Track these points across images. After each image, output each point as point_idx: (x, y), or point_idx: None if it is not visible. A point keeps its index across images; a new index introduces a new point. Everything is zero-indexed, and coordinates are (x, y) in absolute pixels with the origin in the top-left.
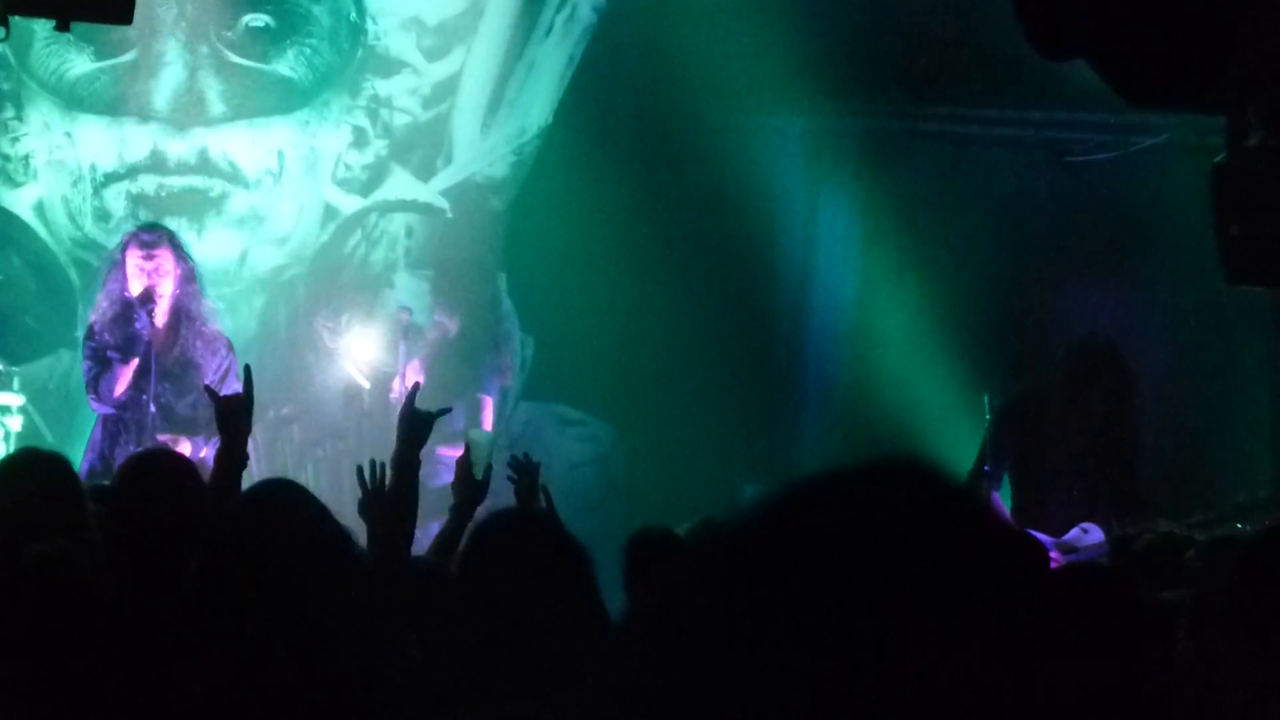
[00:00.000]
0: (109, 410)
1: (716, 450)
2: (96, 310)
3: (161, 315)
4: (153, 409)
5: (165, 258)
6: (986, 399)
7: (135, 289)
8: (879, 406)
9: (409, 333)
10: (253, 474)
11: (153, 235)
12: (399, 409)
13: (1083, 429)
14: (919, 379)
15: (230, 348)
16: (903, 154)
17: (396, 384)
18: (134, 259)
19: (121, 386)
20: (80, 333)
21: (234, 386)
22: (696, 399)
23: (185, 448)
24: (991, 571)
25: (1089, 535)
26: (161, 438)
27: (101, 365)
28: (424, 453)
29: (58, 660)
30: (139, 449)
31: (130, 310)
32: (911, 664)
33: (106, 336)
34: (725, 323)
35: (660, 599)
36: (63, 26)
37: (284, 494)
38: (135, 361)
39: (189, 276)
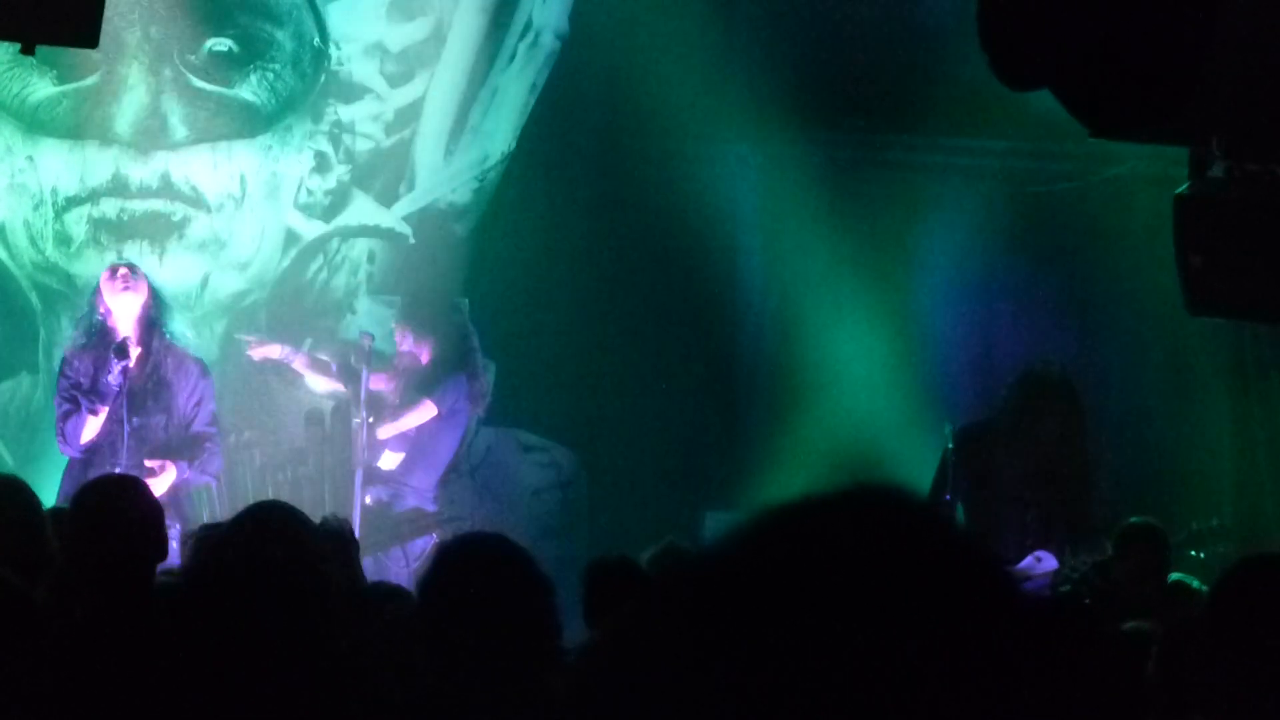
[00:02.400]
0: (75, 454)
1: (678, 476)
2: (70, 345)
3: (134, 337)
4: (126, 431)
5: (139, 278)
6: (947, 428)
7: (113, 305)
8: (840, 434)
9: (370, 358)
10: (214, 498)
11: (123, 270)
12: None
13: (1034, 457)
14: (880, 407)
15: (205, 371)
16: (864, 183)
17: (358, 408)
18: (106, 281)
19: (89, 435)
20: (41, 358)
21: (208, 410)
22: (658, 425)
23: (170, 472)
24: (973, 598)
25: (1042, 564)
26: (149, 463)
27: (73, 407)
28: (388, 475)
29: (5, 691)
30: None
31: (100, 355)
32: (893, 696)
33: (80, 376)
34: (686, 349)
35: (629, 629)
36: (28, 50)
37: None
38: (104, 410)
39: (161, 306)
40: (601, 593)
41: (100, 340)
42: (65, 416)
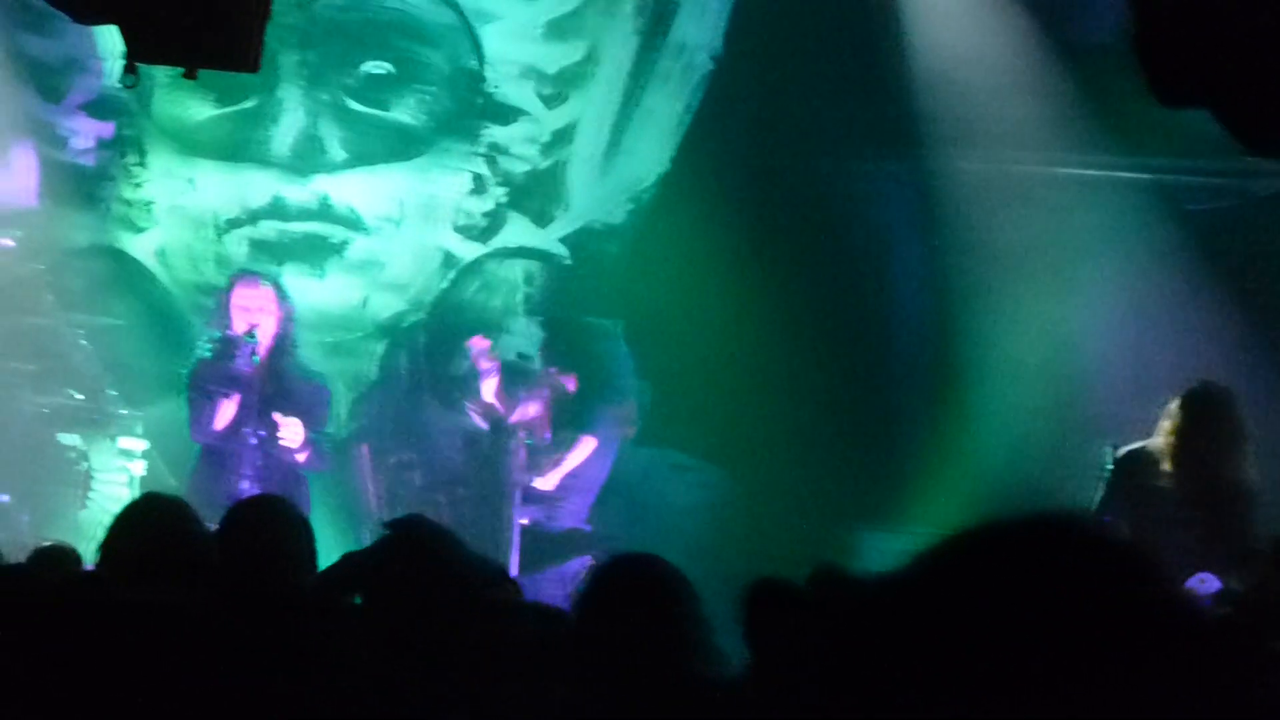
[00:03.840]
0: (210, 442)
1: (831, 496)
2: (203, 349)
3: (263, 349)
4: (253, 442)
5: (267, 296)
6: (1107, 450)
7: (239, 327)
8: (996, 454)
9: (527, 379)
10: (373, 521)
11: (254, 276)
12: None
13: (1196, 479)
14: (1035, 427)
15: (323, 385)
16: (1019, 199)
17: (516, 430)
18: (238, 298)
19: (222, 421)
20: None
21: (321, 416)
22: (810, 444)
23: (299, 427)
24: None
25: (1206, 585)
26: (278, 418)
27: (204, 399)
28: (545, 496)
29: (169, 708)
30: (241, 482)
31: (230, 346)
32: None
33: (209, 372)
34: (839, 367)
35: (797, 653)
36: (190, 74)
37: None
38: (237, 396)
39: (290, 316)
40: (762, 614)
41: (223, 350)
42: (198, 411)
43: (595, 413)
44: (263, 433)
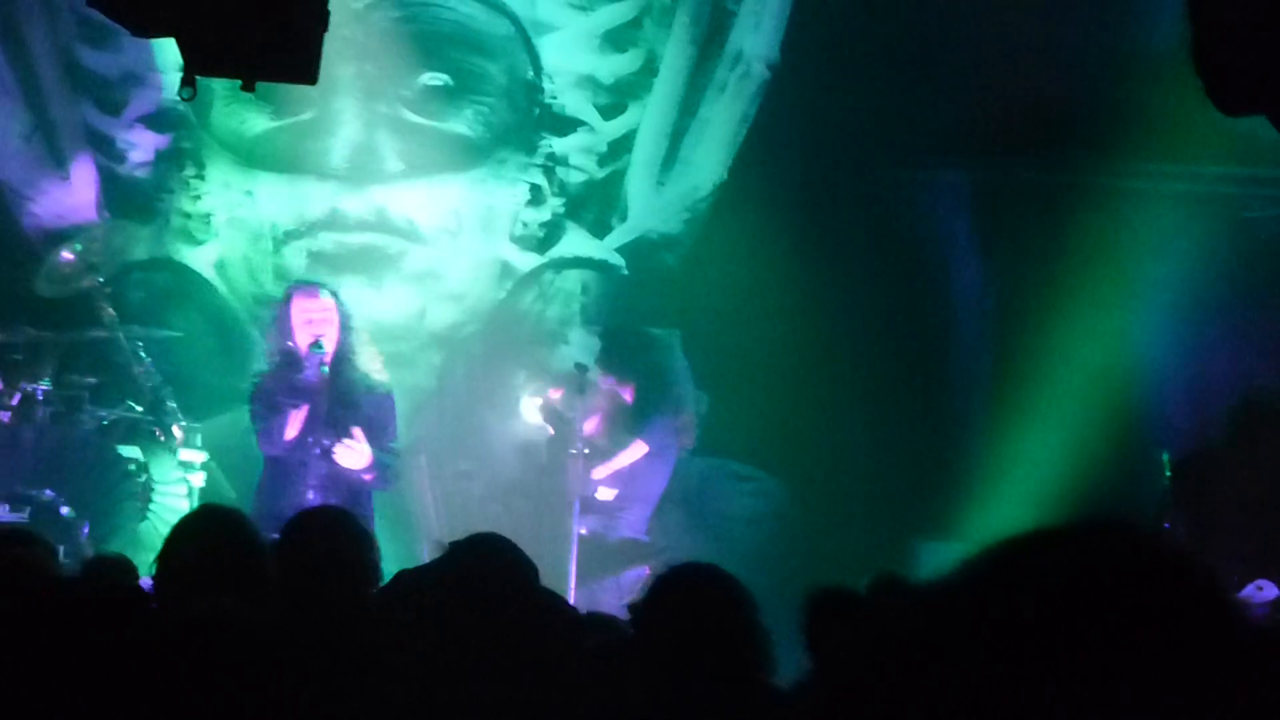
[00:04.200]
0: (279, 453)
1: (890, 505)
2: (264, 362)
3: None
4: (317, 452)
5: (329, 306)
6: (1164, 455)
7: (302, 338)
8: (1053, 461)
9: (585, 388)
10: (431, 531)
11: (313, 287)
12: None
13: (1253, 484)
14: (1093, 434)
15: (387, 396)
16: (1074, 208)
17: (573, 440)
18: (299, 309)
19: (293, 431)
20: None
21: (392, 429)
22: (869, 454)
23: (365, 448)
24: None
25: (1264, 592)
26: (355, 431)
27: (272, 411)
28: (603, 507)
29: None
30: (307, 493)
31: (295, 358)
32: None
33: (274, 384)
34: (897, 377)
35: (857, 660)
36: (248, 87)
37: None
38: (305, 407)
39: (348, 325)
40: (823, 622)
41: (286, 362)
42: (267, 424)
43: (652, 423)
44: (327, 443)
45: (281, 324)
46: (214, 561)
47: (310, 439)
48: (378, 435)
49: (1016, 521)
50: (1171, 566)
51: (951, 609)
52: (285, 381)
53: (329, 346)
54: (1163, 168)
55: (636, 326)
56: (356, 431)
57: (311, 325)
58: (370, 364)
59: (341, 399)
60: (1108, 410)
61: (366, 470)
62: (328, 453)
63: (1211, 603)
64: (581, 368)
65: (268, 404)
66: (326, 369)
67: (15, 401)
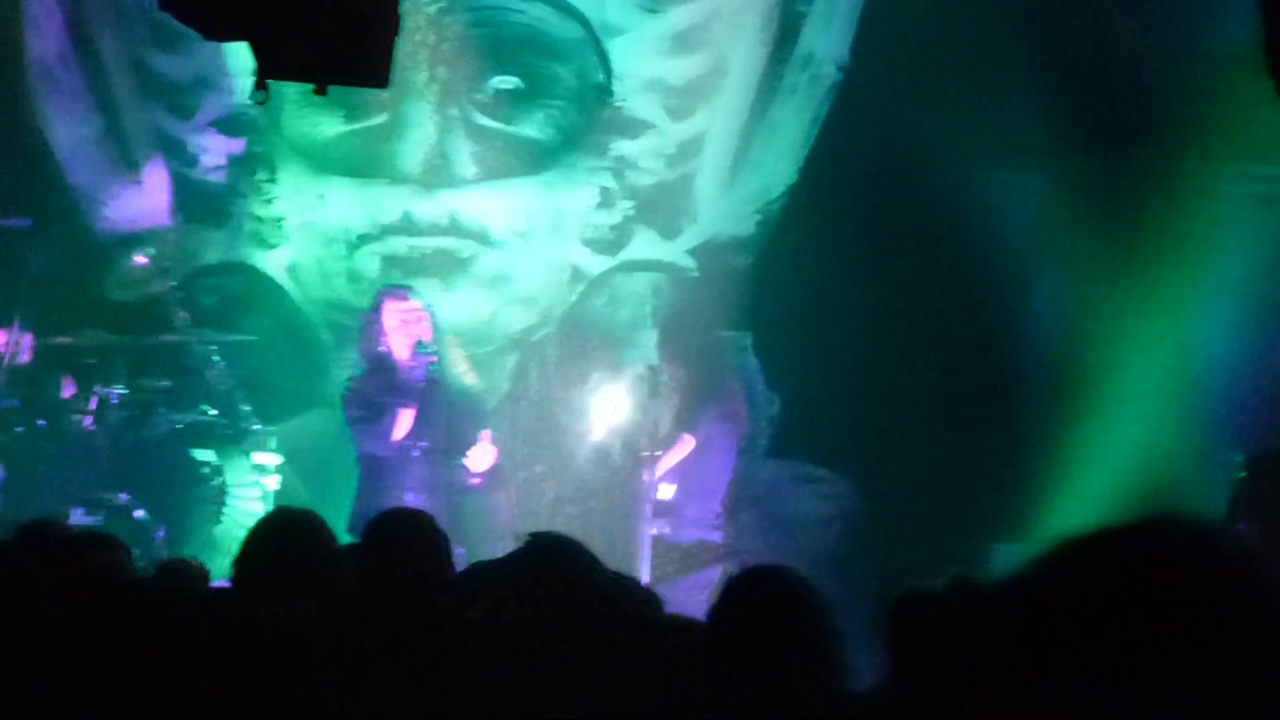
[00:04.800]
0: (388, 453)
1: (963, 506)
2: (354, 367)
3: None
4: (415, 454)
5: (421, 309)
6: (1238, 456)
7: (395, 343)
8: (1126, 463)
9: (657, 391)
10: (505, 532)
11: (402, 290)
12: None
13: None
14: (1166, 435)
15: (477, 396)
16: (1145, 208)
17: (645, 442)
18: (392, 313)
19: (402, 431)
20: (334, 394)
21: (476, 436)
22: (941, 455)
23: (490, 447)
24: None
25: None
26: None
27: (377, 412)
28: (667, 507)
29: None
30: (405, 494)
31: (389, 360)
32: None
33: (371, 387)
34: (969, 378)
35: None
36: (320, 91)
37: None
38: (413, 409)
39: (437, 329)
40: (904, 626)
41: (381, 365)
42: (371, 419)
43: (695, 415)
44: (424, 443)
45: (373, 328)
46: (289, 564)
47: (410, 441)
48: (466, 437)
49: (1089, 523)
50: (1238, 567)
51: (1017, 610)
52: (384, 383)
53: (433, 346)
54: (1234, 168)
55: (707, 329)
56: (485, 434)
57: (406, 328)
58: (458, 366)
59: (432, 401)
60: (1181, 411)
61: (480, 473)
62: (425, 454)
63: (1274, 604)
64: (653, 370)
65: (368, 406)
66: (436, 369)
67: (90, 406)
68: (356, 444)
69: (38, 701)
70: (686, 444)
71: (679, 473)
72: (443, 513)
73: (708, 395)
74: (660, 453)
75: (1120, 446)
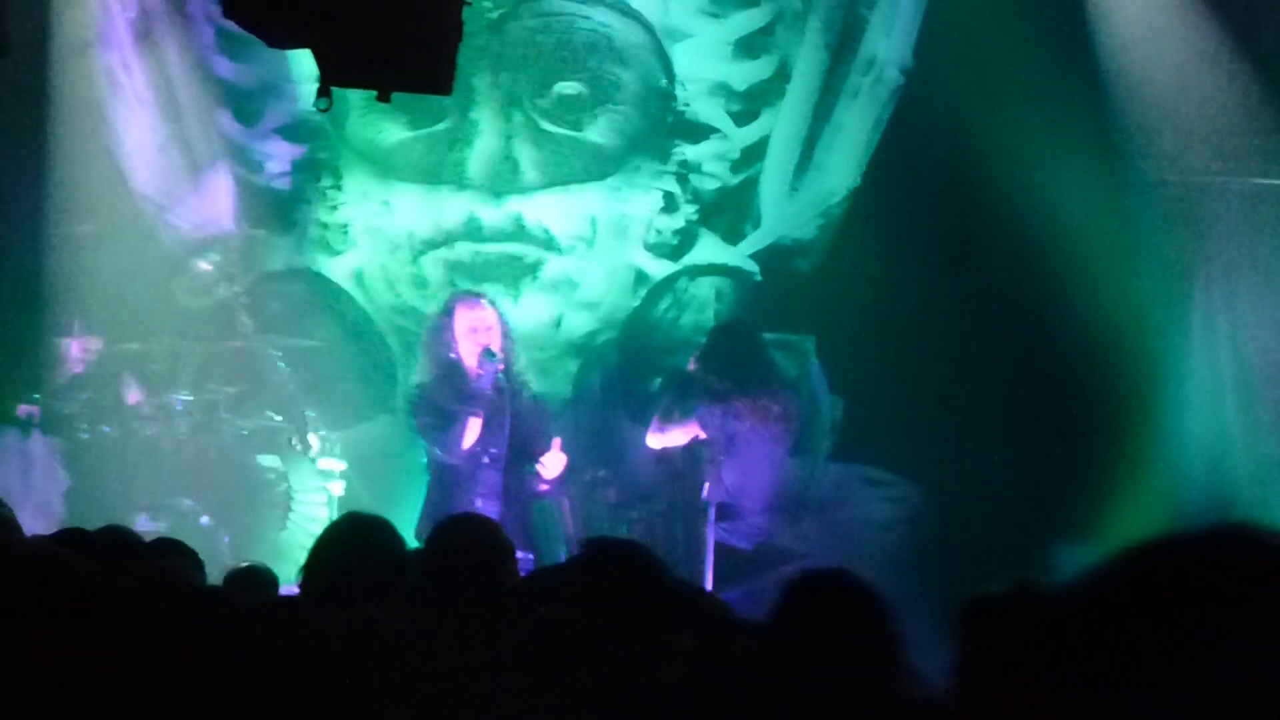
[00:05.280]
0: (458, 460)
1: (1028, 511)
2: (423, 373)
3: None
4: (485, 460)
5: (492, 316)
6: None
7: (465, 349)
8: (1191, 467)
9: (721, 397)
10: (569, 537)
11: (475, 297)
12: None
13: None
14: (1231, 441)
15: (545, 406)
16: (1209, 209)
17: (708, 446)
18: (464, 320)
19: (471, 438)
20: (400, 400)
21: (546, 443)
22: (1006, 459)
23: (560, 456)
24: None
25: None
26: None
27: (447, 420)
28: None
29: None
30: (475, 501)
31: (459, 367)
32: None
33: (441, 394)
34: (1034, 381)
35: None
36: (383, 97)
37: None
38: (482, 415)
39: (509, 333)
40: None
41: (451, 372)
42: (442, 425)
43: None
44: (494, 450)
45: (444, 334)
46: (358, 569)
47: (479, 448)
48: (535, 444)
49: (1154, 526)
50: None
51: (1084, 615)
52: (454, 390)
53: (501, 354)
54: None
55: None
56: (557, 441)
57: (476, 335)
58: (526, 370)
59: (503, 408)
60: (1249, 414)
61: (548, 480)
62: (495, 461)
63: None
64: (710, 373)
65: (438, 413)
66: (503, 377)
67: (155, 412)
68: (427, 450)
69: (112, 710)
70: (692, 429)
71: (731, 475)
72: (513, 520)
73: (754, 396)
74: (722, 457)
75: (1188, 450)
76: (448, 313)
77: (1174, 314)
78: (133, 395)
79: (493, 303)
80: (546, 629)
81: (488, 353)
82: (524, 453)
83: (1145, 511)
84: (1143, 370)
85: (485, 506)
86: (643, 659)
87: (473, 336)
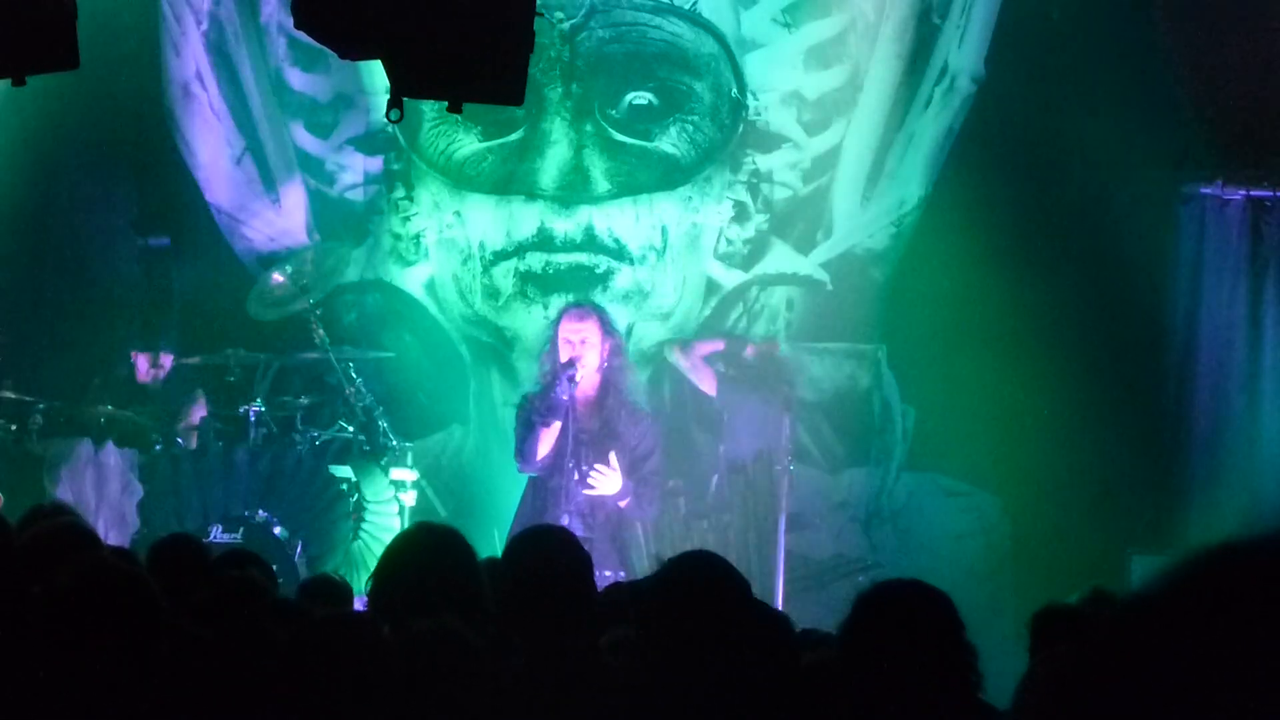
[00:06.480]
0: (534, 472)
1: (1102, 520)
2: (533, 383)
3: (590, 385)
4: (575, 475)
5: (591, 330)
6: None
7: (563, 359)
8: (1267, 477)
9: (791, 405)
10: (642, 547)
11: (581, 309)
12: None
13: None
14: None
15: (655, 421)
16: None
17: (779, 456)
18: (564, 331)
19: (544, 449)
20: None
21: (655, 459)
22: (1081, 468)
23: (618, 478)
24: None
25: None
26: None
27: (527, 430)
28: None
29: None
30: (563, 516)
31: (553, 378)
32: None
33: (534, 404)
34: (1108, 391)
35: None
36: (454, 108)
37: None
38: (556, 425)
39: (616, 350)
40: (1043, 639)
41: (550, 382)
42: (521, 442)
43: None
44: (586, 467)
45: (550, 347)
46: (430, 580)
47: (566, 462)
48: (638, 462)
49: (1231, 533)
50: None
51: (1155, 623)
52: (542, 401)
53: (581, 367)
54: None
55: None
56: (612, 458)
57: (570, 346)
58: (636, 389)
59: (600, 424)
60: None
61: (620, 496)
62: (585, 477)
63: None
64: (787, 384)
65: (526, 423)
66: (575, 385)
67: (229, 423)
68: None
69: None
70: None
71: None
72: (606, 539)
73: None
74: (794, 466)
75: (1263, 459)
76: (555, 323)
77: (1248, 322)
78: (207, 408)
79: (600, 315)
80: (626, 646)
81: (568, 363)
82: (631, 471)
83: (1222, 519)
84: (1217, 378)
85: (573, 522)
86: (722, 671)
87: (566, 348)
